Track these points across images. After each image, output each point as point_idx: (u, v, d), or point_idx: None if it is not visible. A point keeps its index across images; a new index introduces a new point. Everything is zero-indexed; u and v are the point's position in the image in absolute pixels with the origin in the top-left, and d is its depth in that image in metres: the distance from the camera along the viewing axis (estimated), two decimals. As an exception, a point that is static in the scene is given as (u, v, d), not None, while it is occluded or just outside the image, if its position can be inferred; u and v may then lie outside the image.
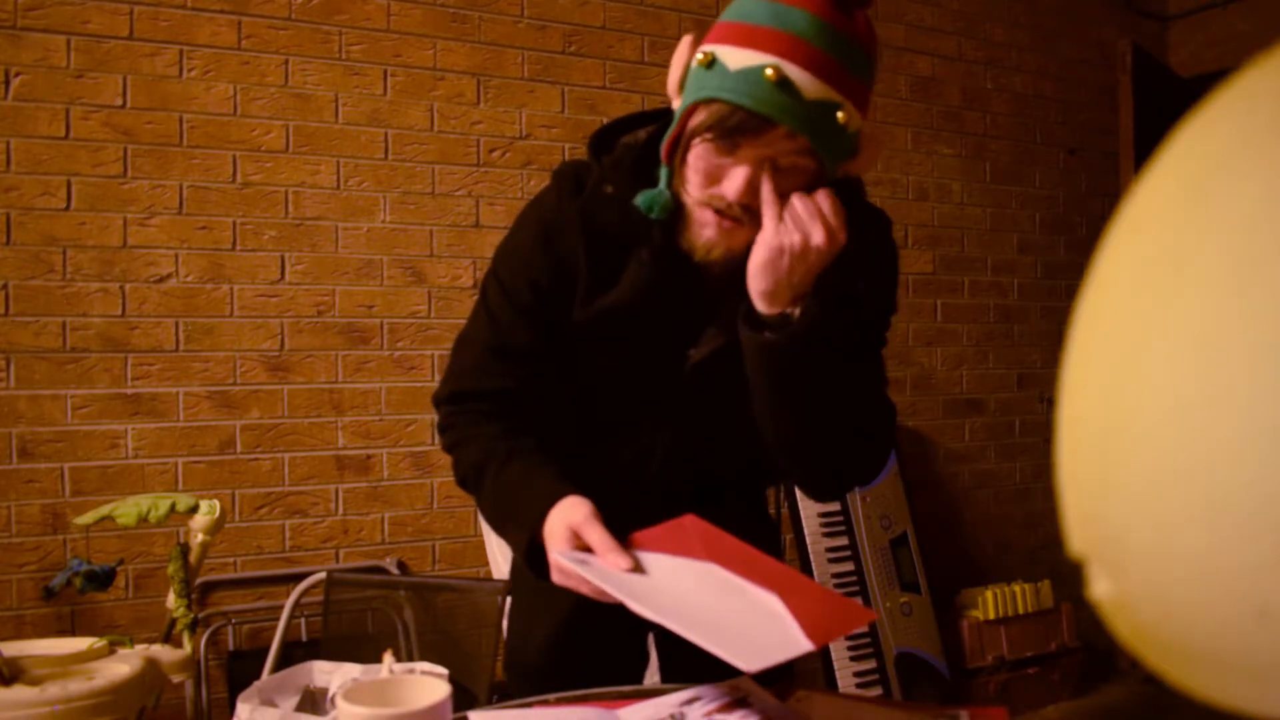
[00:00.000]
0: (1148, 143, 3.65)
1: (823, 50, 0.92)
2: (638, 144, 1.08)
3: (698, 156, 0.97)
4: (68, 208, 2.35)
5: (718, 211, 0.98)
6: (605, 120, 2.88)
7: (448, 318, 2.74)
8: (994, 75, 3.70)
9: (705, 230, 1.00)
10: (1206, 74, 3.95)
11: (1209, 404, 0.30)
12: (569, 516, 0.99)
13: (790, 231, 0.95)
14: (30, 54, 2.31)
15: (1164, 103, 3.76)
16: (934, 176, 3.57)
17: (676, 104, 1.01)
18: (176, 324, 2.46)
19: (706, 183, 0.98)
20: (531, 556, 1.05)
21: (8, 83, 2.30)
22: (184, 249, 2.47)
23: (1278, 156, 0.30)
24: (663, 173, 1.04)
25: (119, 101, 2.40)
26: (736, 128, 0.93)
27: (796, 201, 0.96)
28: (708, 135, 0.95)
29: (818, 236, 0.95)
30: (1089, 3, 3.93)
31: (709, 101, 0.94)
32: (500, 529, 1.12)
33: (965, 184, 3.64)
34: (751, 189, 0.95)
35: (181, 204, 2.46)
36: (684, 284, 1.06)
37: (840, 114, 0.93)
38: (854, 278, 1.06)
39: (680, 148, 1.00)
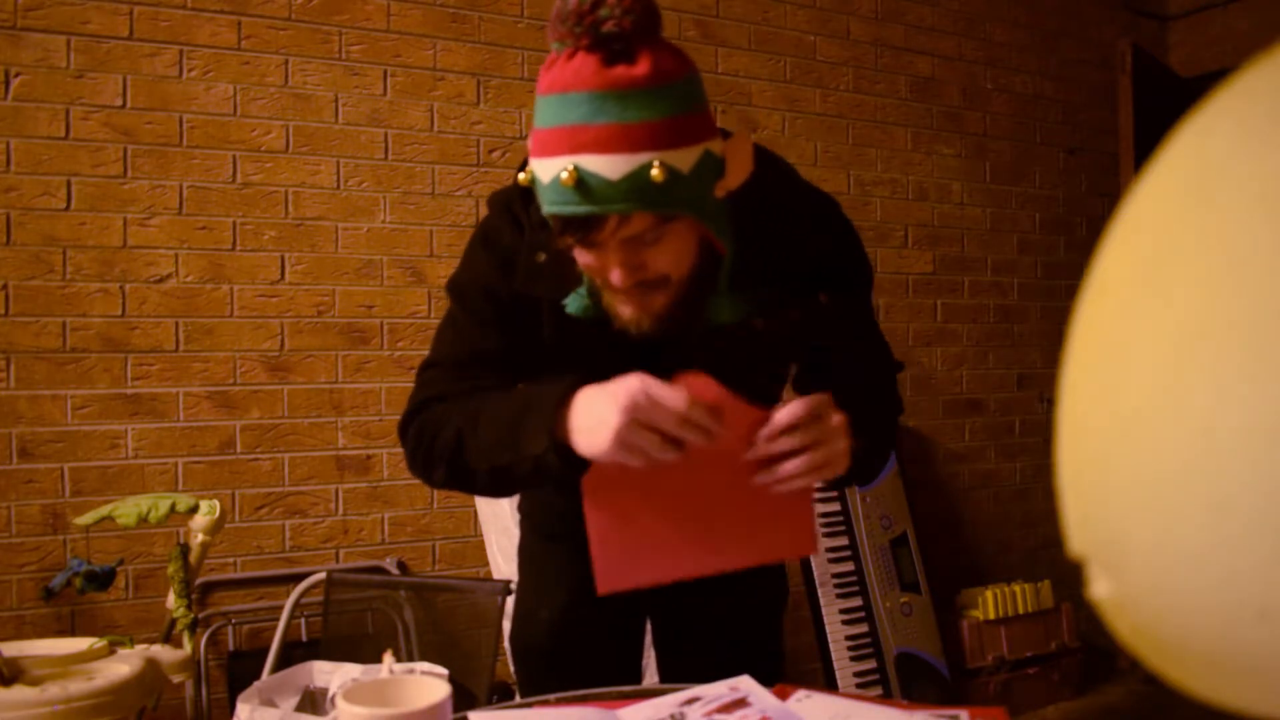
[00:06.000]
0: (1148, 143, 3.65)
1: (607, 124, 0.89)
2: None
3: (580, 259, 1.01)
4: (68, 208, 2.35)
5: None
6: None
7: (448, 318, 2.74)
8: (994, 75, 3.70)
9: (624, 309, 1.02)
10: (1206, 74, 3.95)
11: (1209, 404, 0.30)
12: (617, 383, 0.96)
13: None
14: (30, 54, 2.31)
15: (1164, 103, 3.76)
16: (934, 176, 3.56)
17: None
18: (176, 324, 2.46)
19: (598, 275, 1.01)
20: (561, 452, 0.98)
21: (8, 83, 2.30)
22: (184, 249, 2.47)
23: (1278, 156, 0.30)
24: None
25: (119, 102, 2.40)
26: (578, 237, 0.95)
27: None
28: (568, 245, 0.98)
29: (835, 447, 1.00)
30: (1089, 3, 3.93)
31: (551, 216, 0.96)
32: (514, 443, 1.02)
33: (965, 184, 3.64)
34: (631, 270, 0.97)
35: (181, 204, 2.46)
36: None
37: (655, 171, 0.89)
38: (805, 268, 1.10)
39: None
